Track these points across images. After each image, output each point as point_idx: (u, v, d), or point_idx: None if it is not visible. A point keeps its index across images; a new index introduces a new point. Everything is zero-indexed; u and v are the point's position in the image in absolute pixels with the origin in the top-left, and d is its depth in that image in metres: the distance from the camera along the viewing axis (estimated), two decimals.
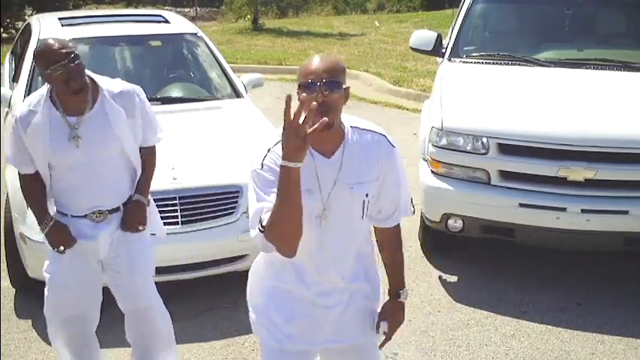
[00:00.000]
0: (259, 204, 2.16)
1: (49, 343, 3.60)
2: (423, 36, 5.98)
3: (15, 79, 5.79)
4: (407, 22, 19.41)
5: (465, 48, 5.78)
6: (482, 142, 4.60)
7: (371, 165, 2.29)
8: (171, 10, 12.19)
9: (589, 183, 4.44)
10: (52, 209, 3.22)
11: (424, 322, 4.36)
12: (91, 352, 3.47)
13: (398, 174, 2.37)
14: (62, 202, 3.20)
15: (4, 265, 4.63)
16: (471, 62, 5.61)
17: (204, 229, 4.32)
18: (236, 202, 4.37)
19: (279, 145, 2.07)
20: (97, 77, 3.18)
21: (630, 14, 6.06)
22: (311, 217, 2.22)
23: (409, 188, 2.46)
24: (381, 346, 2.55)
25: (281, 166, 2.05)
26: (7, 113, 5.17)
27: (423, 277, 4.94)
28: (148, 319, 3.44)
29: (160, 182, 3.97)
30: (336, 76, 2.15)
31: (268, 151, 2.19)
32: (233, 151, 4.63)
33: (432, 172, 4.83)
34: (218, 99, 5.66)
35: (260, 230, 2.15)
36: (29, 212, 3.75)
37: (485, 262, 5.16)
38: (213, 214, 4.35)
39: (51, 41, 3.02)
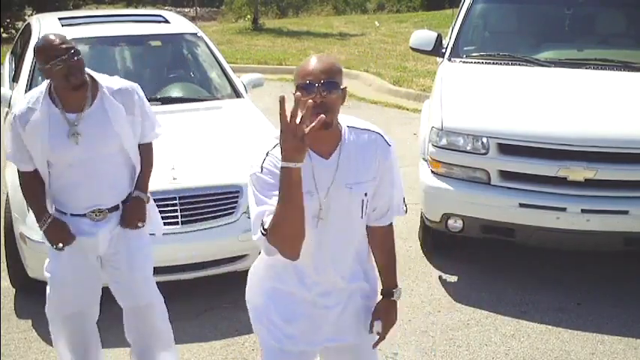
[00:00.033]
0: (260, 207, 2.16)
1: (50, 343, 3.61)
2: (423, 36, 5.98)
3: (15, 79, 5.80)
4: (407, 22, 19.42)
5: (465, 48, 5.78)
6: (482, 142, 4.60)
7: (368, 165, 2.30)
8: (171, 10, 12.20)
9: (589, 183, 4.44)
10: (52, 209, 3.20)
11: (424, 322, 4.36)
12: (92, 352, 3.47)
13: (393, 173, 2.37)
14: (61, 200, 3.19)
15: (4, 265, 4.62)
16: (471, 62, 5.61)
17: (204, 229, 4.32)
18: (236, 202, 4.37)
19: (278, 148, 2.07)
20: (95, 74, 3.17)
21: (630, 14, 6.06)
22: (308, 218, 2.22)
23: (402, 187, 2.46)
24: (375, 345, 2.53)
25: (282, 168, 2.05)
26: (7, 113, 5.17)
27: (423, 277, 4.94)
28: (147, 317, 3.44)
29: (160, 182, 3.98)
30: (334, 77, 2.15)
31: (267, 154, 2.18)
32: (233, 151, 4.63)
33: (432, 172, 4.83)
34: (218, 99, 5.66)
35: (262, 233, 2.14)
36: (29, 212, 3.75)
37: (485, 262, 5.16)
38: (213, 214, 4.35)
39: (51, 36, 3.02)
